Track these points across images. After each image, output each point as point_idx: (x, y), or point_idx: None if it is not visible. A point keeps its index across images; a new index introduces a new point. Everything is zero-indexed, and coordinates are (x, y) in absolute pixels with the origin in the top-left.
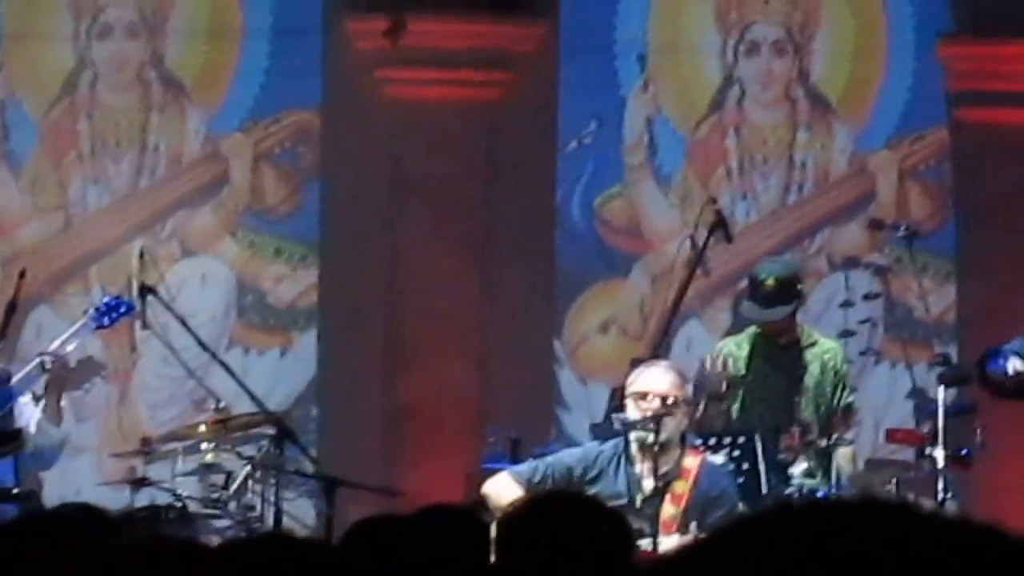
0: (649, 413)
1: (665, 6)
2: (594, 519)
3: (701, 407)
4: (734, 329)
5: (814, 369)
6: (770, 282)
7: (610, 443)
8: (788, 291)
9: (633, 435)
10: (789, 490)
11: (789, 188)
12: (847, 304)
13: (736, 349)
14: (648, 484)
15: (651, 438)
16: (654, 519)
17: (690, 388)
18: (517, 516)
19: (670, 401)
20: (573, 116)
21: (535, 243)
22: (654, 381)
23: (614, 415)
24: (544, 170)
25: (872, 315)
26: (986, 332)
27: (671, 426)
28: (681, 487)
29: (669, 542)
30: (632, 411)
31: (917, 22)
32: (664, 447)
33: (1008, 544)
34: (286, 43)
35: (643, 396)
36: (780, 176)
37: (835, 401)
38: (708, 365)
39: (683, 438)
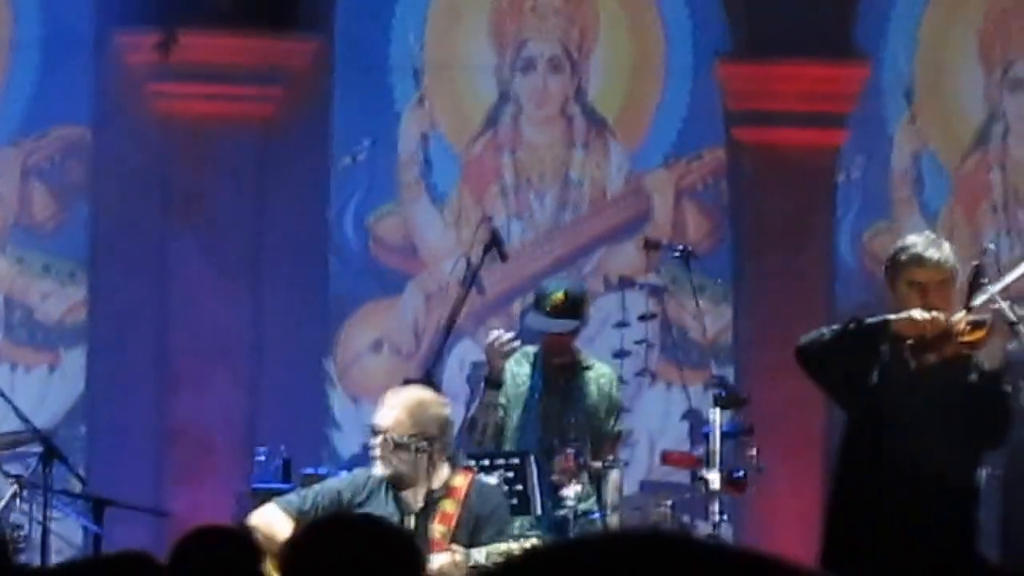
0: (375, 450)
1: (440, 22)
2: (381, 538)
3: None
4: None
5: (589, 392)
6: (560, 295)
7: None
8: (576, 306)
9: None
10: (562, 512)
11: (564, 207)
12: (622, 324)
13: (516, 366)
14: (416, 505)
15: (380, 472)
16: (424, 538)
17: (433, 423)
18: (303, 539)
19: (392, 437)
20: (347, 133)
21: (307, 261)
22: (379, 415)
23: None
24: (317, 188)
25: (648, 336)
26: (762, 354)
27: (396, 463)
28: (450, 506)
29: (439, 560)
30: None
31: (695, 41)
32: (404, 481)
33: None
34: (56, 56)
35: (371, 429)
36: (555, 195)
37: (608, 426)
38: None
39: (452, 457)
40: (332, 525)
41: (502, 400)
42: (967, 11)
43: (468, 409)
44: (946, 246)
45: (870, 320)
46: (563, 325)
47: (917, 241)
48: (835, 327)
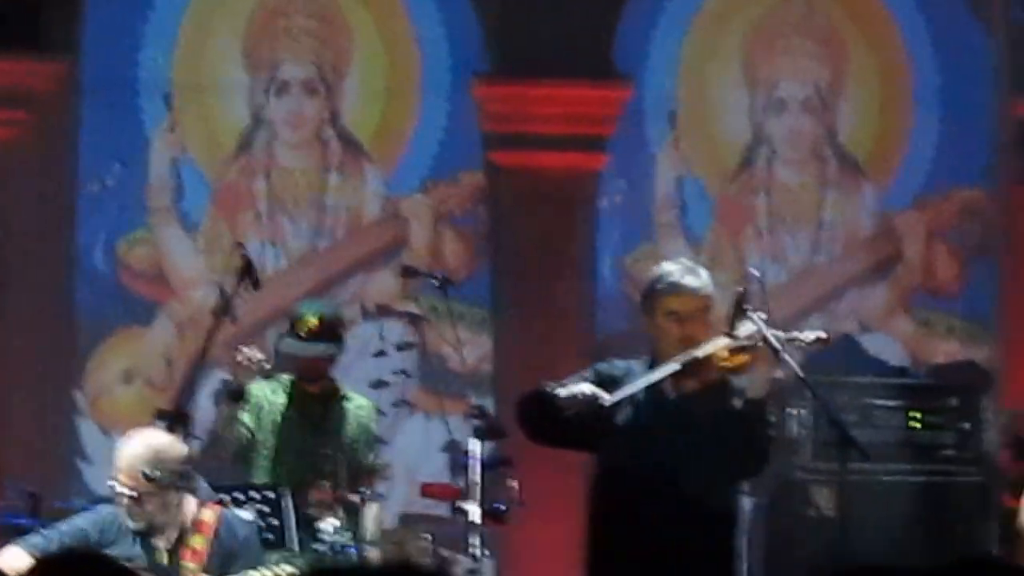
0: (124, 498)
1: (191, 43)
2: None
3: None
4: (270, 373)
5: (347, 423)
6: (313, 319)
7: None
8: (331, 331)
9: None
10: (318, 546)
11: (320, 233)
12: (380, 354)
13: (271, 394)
14: (163, 542)
15: (133, 525)
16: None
17: (173, 465)
18: None
19: (134, 494)
20: (95, 157)
21: (55, 289)
22: (118, 472)
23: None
24: (64, 214)
25: (406, 365)
26: (522, 383)
27: (145, 514)
28: (199, 542)
29: None
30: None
31: (452, 62)
32: (155, 528)
33: None
34: None
35: (111, 485)
36: (310, 220)
37: (367, 458)
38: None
39: (198, 492)
40: (60, 565)
41: (246, 419)
42: (730, 32)
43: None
44: (703, 273)
45: (553, 393)
46: (318, 350)
47: (672, 270)
48: (541, 402)
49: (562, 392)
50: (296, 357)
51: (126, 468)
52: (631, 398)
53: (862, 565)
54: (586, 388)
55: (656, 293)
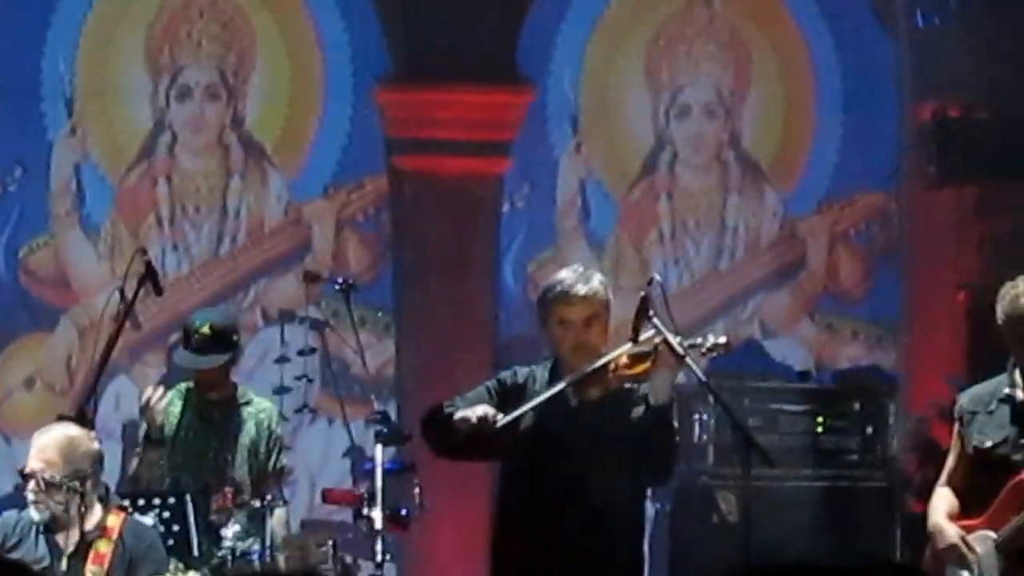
0: (29, 495)
1: (93, 48)
2: None
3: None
4: (167, 382)
5: (248, 428)
6: (205, 330)
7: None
8: (223, 340)
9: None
10: (221, 552)
11: (222, 238)
12: (282, 360)
13: (171, 405)
14: (69, 546)
15: (36, 517)
16: None
17: (86, 459)
18: None
19: (45, 478)
20: None
21: None
22: (30, 458)
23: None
24: None
25: (308, 371)
26: (425, 388)
27: (52, 505)
28: (104, 546)
29: None
30: None
31: (355, 67)
32: (59, 523)
33: None
34: None
35: (21, 473)
36: (213, 226)
37: (269, 462)
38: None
39: (104, 497)
40: None
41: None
42: (633, 37)
43: (126, 467)
44: (595, 279)
45: (448, 414)
46: (211, 361)
47: (563, 278)
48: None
49: (457, 415)
50: (191, 370)
51: (38, 453)
52: (536, 409)
53: (761, 564)
54: (479, 410)
55: (547, 302)
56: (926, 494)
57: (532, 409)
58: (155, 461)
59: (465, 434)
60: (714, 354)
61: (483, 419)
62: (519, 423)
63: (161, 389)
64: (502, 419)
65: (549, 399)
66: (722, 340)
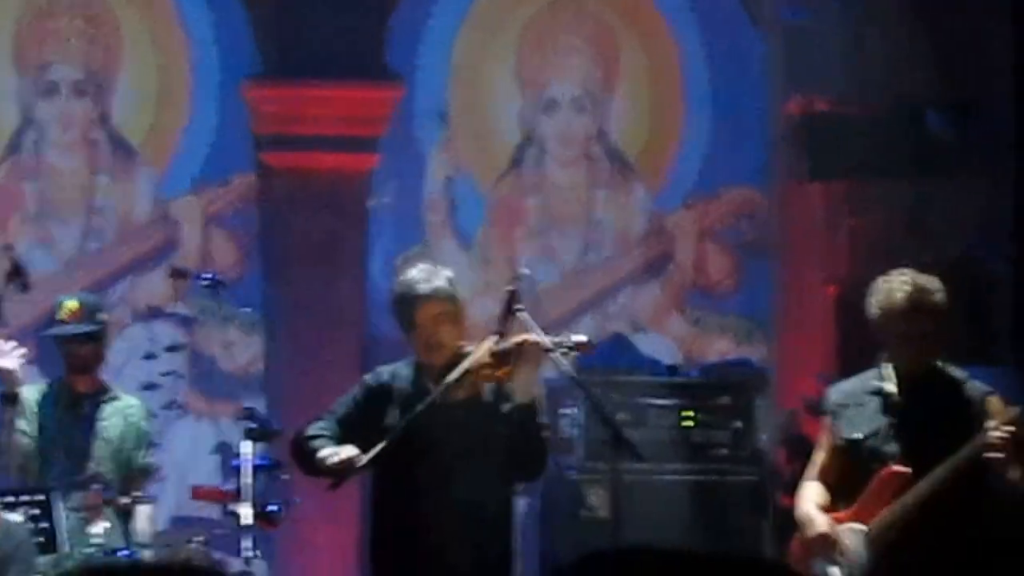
0: None
1: None
2: None
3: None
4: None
5: (116, 424)
6: (72, 303)
7: None
8: (91, 313)
9: None
10: (88, 549)
11: (89, 235)
12: (150, 356)
13: (40, 398)
14: None
15: None
16: None
17: None
18: None
19: None
20: None
21: None
22: None
23: None
24: None
25: (176, 367)
26: (293, 384)
27: None
28: None
29: None
30: None
31: (222, 63)
32: None
33: None
34: None
35: None
36: (80, 223)
37: (136, 459)
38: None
39: None
40: None
41: (22, 424)
42: (501, 32)
43: None
44: (442, 276)
45: (312, 450)
46: (80, 329)
47: (410, 278)
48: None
49: (320, 453)
50: (61, 342)
51: None
52: (404, 408)
53: (619, 547)
54: (343, 453)
55: (397, 303)
56: (796, 489)
57: (411, 402)
58: (11, 420)
59: (329, 475)
60: (576, 353)
61: (345, 462)
62: (389, 446)
63: (11, 343)
64: (364, 459)
65: (424, 394)
66: (583, 339)
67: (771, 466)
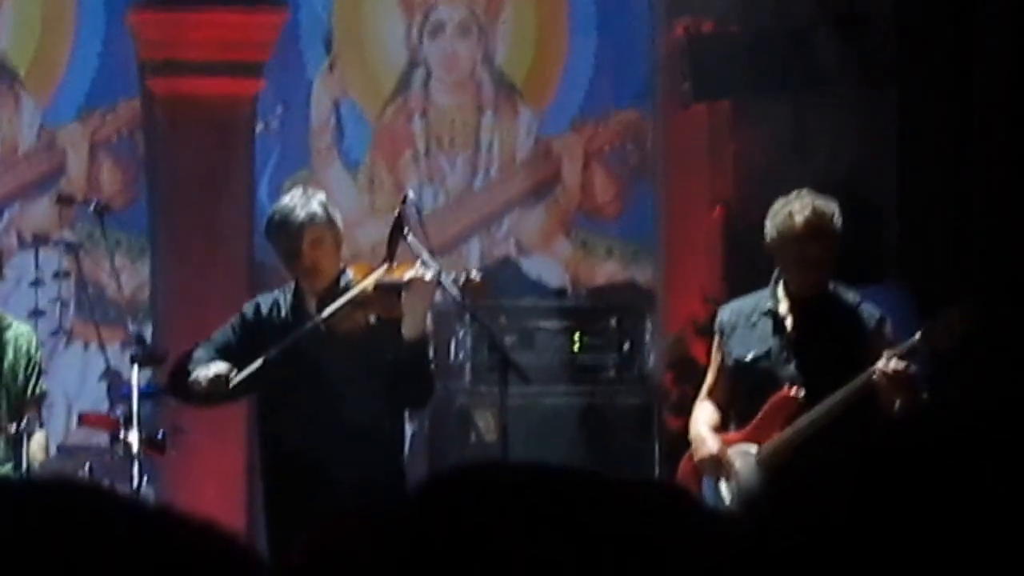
0: None
1: None
2: None
3: None
4: None
5: (7, 353)
6: None
7: None
8: None
9: None
10: None
11: None
12: (37, 283)
13: None
14: None
15: None
16: None
17: None
18: None
19: None
20: None
21: None
22: None
23: None
24: None
25: (63, 294)
26: (181, 311)
27: None
28: None
29: None
30: None
31: None
32: None
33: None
34: None
35: None
36: None
37: (28, 387)
38: None
39: None
40: None
41: None
42: None
43: None
44: (316, 200)
45: (183, 379)
46: None
47: (286, 204)
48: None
49: (191, 377)
50: None
51: None
52: (284, 336)
53: (490, 461)
54: (212, 370)
55: (273, 231)
56: (684, 411)
57: (275, 354)
58: None
59: (201, 396)
60: (467, 290)
61: (214, 381)
62: (266, 366)
63: None
64: (236, 376)
65: (306, 323)
66: (476, 277)
67: (659, 388)
